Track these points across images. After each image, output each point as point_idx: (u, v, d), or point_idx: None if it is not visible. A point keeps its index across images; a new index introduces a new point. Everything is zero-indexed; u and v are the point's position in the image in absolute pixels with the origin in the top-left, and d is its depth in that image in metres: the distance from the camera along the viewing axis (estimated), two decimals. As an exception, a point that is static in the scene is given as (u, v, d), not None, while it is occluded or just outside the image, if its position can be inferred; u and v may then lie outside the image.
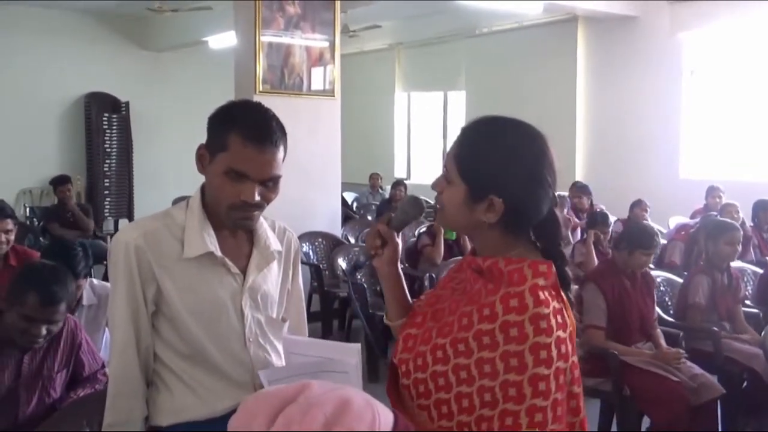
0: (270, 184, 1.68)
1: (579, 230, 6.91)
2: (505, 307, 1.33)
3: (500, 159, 1.41)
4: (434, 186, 1.50)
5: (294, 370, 1.47)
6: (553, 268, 1.40)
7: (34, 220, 9.53)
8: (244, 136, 1.62)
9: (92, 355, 2.84)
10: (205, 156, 1.70)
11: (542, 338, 1.31)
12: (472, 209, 1.42)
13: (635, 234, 3.94)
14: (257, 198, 1.65)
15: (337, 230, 6.83)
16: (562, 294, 1.41)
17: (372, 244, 1.59)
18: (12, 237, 4.03)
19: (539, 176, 1.41)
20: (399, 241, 1.62)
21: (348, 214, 8.97)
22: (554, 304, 1.35)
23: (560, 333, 1.34)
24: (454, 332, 1.38)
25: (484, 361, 1.33)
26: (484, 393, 1.32)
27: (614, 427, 3.89)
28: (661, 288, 4.67)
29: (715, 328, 4.07)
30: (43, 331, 2.54)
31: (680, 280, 4.78)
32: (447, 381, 1.36)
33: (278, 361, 1.82)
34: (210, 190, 1.72)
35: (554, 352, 1.32)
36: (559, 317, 1.35)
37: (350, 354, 1.44)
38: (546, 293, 1.35)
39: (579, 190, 7.77)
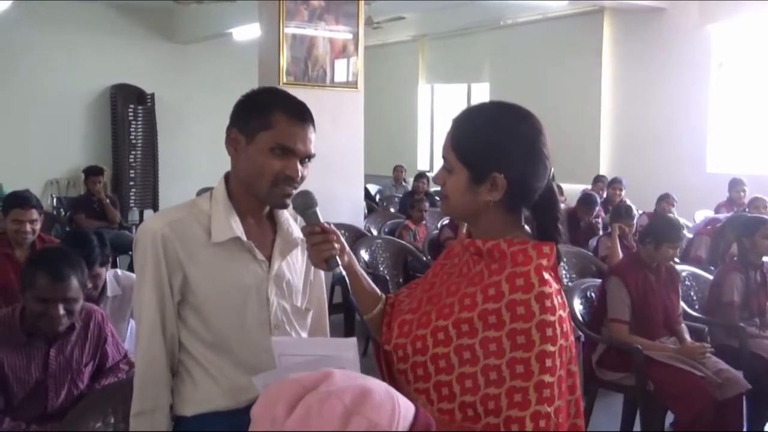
0: (307, 161, 1.73)
1: (600, 222, 6.87)
2: (511, 286, 1.36)
3: (497, 136, 1.44)
4: (435, 179, 1.53)
5: (287, 372, 1.42)
6: (555, 250, 1.43)
7: (61, 210, 9.65)
8: (288, 113, 1.69)
9: (116, 346, 2.86)
10: (239, 138, 1.72)
11: (547, 316, 1.34)
12: (476, 192, 1.44)
13: (662, 227, 3.90)
14: (300, 173, 1.70)
15: (359, 222, 6.84)
16: (559, 277, 1.44)
17: (328, 249, 1.59)
18: (38, 227, 4.07)
19: (536, 149, 1.44)
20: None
21: (371, 206, 8.98)
22: (555, 284, 1.39)
23: (561, 312, 1.37)
24: (455, 313, 1.40)
25: (490, 341, 1.35)
26: (490, 372, 1.34)
27: (637, 423, 3.86)
28: (686, 282, 4.62)
29: (742, 324, 4.03)
30: (61, 311, 2.54)
31: (706, 275, 4.73)
32: (449, 362, 1.39)
33: None
34: (249, 170, 1.72)
35: (558, 330, 1.35)
36: (559, 297, 1.39)
37: (346, 348, 1.42)
38: (549, 274, 1.39)
39: (614, 183, 7.73)
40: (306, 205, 1.63)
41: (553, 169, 1.48)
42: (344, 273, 1.59)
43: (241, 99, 1.77)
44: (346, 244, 1.65)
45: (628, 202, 6.88)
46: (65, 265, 2.57)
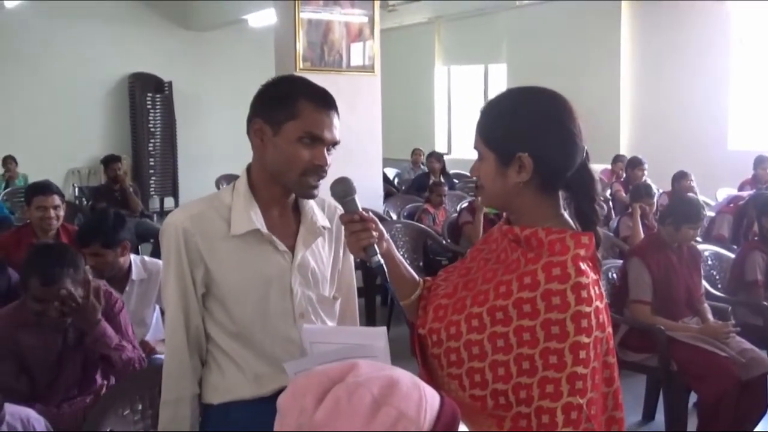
0: (332, 148, 1.75)
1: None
2: (547, 275, 1.35)
3: (519, 117, 1.44)
4: (471, 171, 1.54)
5: (319, 359, 1.43)
6: (594, 240, 1.41)
7: (83, 199, 9.74)
8: (314, 101, 1.71)
9: (120, 327, 2.84)
10: (265, 129, 1.72)
11: (583, 307, 1.33)
12: (505, 175, 1.44)
13: (681, 208, 3.87)
14: (329, 161, 1.72)
15: (378, 206, 6.84)
16: (597, 266, 1.43)
17: (367, 237, 1.57)
18: (61, 213, 4.13)
19: (562, 127, 1.42)
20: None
21: (389, 190, 8.97)
22: (592, 275, 1.37)
23: (598, 303, 1.36)
24: (490, 300, 1.40)
25: (524, 329, 1.35)
26: (522, 361, 1.34)
27: (660, 404, 3.86)
28: (709, 262, 4.59)
29: (766, 303, 4.00)
30: (56, 312, 2.59)
31: (728, 254, 4.70)
32: (482, 349, 1.38)
33: None
34: (277, 160, 1.73)
35: (594, 322, 1.34)
36: (596, 288, 1.37)
37: (376, 338, 1.44)
38: (586, 264, 1.37)
39: (634, 163, 7.61)
40: (345, 193, 1.62)
41: (586, 149, 1.46)
42: (382, 261, 1.56)
43: (262, 89, 1.77)
44: (384, 231, 1.63)
45: (648, 181, 6.81)
46: (59, 268, 2.60)
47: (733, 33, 9.02)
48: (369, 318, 5.56)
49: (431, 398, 0.86)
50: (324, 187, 1.76)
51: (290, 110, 1.69)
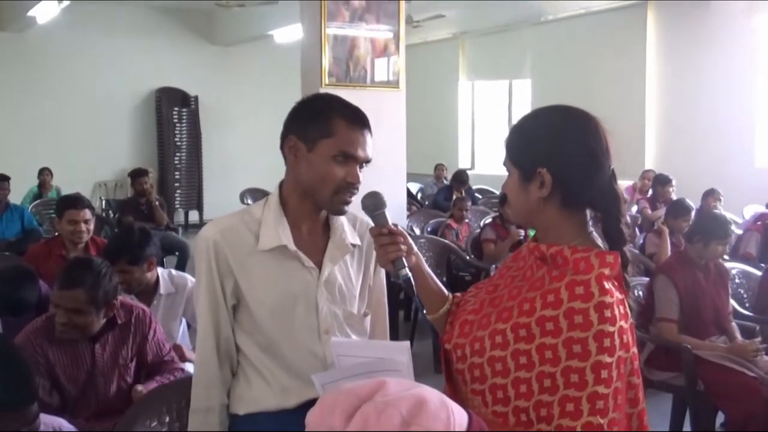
0: (364, 166, 1.78)
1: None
2: (570, 294, 1.35)
3: (541, 133, 1.46)
4: (502, 188, 1.56)
5: (346, 372, 1.48)
6: (620, 259, 1.41)
7: (110, 212, 9.85)
8: (349, 120, 1.74)
9: (158, 345, 2.87)
10: (299, 146, 1.75)
11: (606, 326, 1.32)
12: (527, 190, 1.46)
13: (710, 225, 3.84)
14: (361, 179, 1.76)
15: (402, 221, 6.84)
16: (624, 286, 1.42)
17: (395, 250, 1.59)
18: (91, 226, 4.19)
19: (580, 143, 1.43)
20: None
21: (413, 206, 8.96)
22: (617, 294, 1.37)
23: (623, 323, 1.35)
24: (514, 317, 1.40)
25: (546, 347, 1.35)
26: (544, 379, 1.34)
27: (687, 423, 3.81)
28: (737, 280, 4.53)
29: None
30: (63, 318, 2.58)
31: (756, 272, 4.64)
32: (505, 366, 1.39)
33: None
34: (310, 177, 1.75)
35: (617, 341, 1.33)
36: (621, 307, 1.37)
37: (400, 352, 1.46)
38: (611, 283, 1.37)
39: (662, 180, 7.49)
40: (375, 207, 1.65)
41: (613, 168, 1.46)
42: (410, 275, 1.58)
43: (296, 106, 1.80)
44: (413, 245, 1.65)
45: (674, 197, 6.75)
46: (77, 275, 2.60)
47: (761, 48, 8.94)
48: (391, 333, 5.51)
49: (459, 417, 0.87)
50: (356, 202, 1.78)
51: (325, 128, 1.72)
